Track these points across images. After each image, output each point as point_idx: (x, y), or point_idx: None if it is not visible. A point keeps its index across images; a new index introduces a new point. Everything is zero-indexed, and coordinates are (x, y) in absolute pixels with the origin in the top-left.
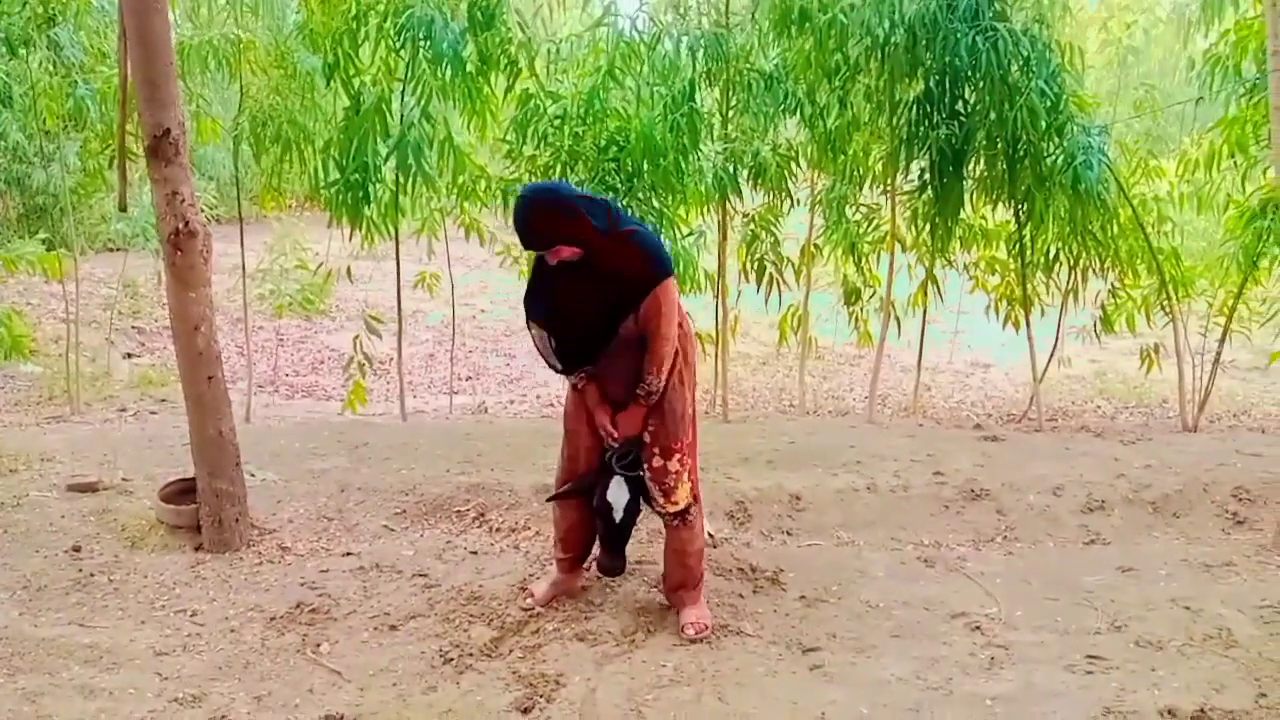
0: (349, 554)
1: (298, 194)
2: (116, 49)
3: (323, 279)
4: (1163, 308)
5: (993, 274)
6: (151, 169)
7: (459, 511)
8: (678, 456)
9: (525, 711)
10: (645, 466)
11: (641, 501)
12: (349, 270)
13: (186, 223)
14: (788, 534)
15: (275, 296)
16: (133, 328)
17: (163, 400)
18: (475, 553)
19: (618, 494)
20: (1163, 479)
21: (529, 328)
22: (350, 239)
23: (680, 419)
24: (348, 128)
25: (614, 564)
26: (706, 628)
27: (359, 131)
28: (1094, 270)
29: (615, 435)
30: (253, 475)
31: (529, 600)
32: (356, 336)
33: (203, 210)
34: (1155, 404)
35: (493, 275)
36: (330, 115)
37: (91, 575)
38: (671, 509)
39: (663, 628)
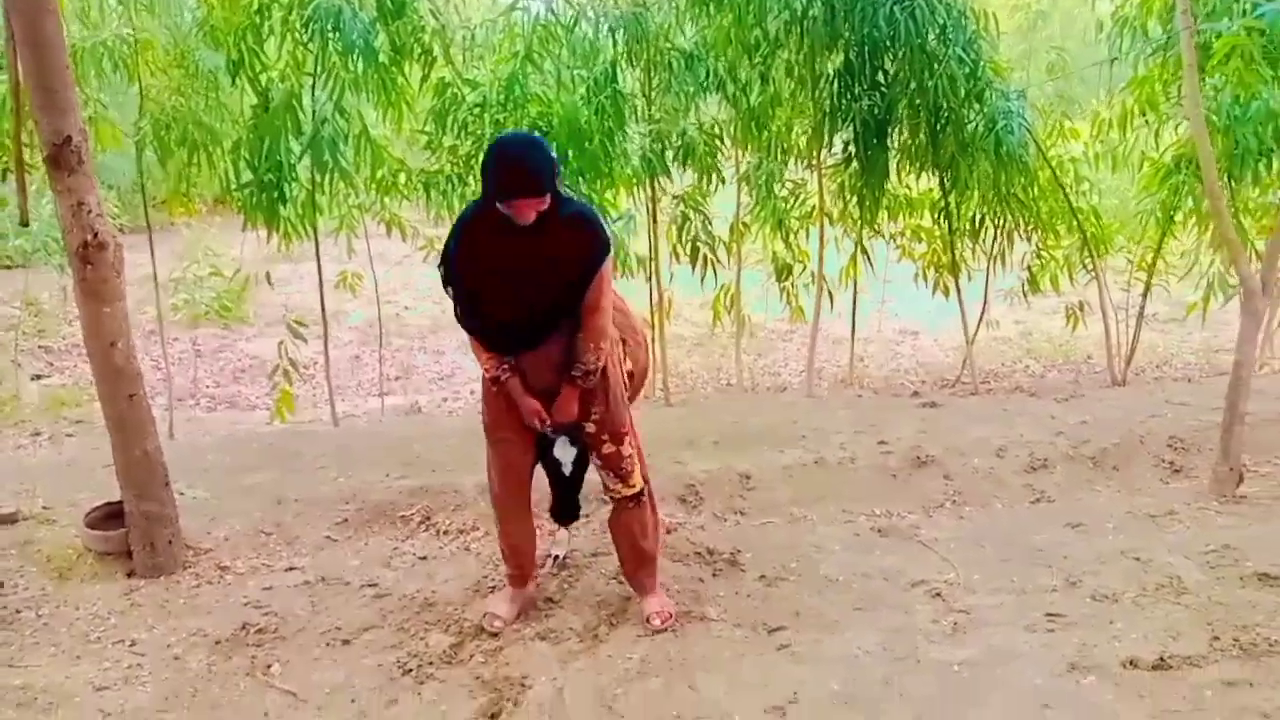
0: (292, 568)
1: (207, 198)
2: (4, 54)
3: (240, 285)
4: (1084, 266)
5: (919, 242)
6: (53, 179)
7: (403, 516)
8: (628, 439)
9: (493, 718)
10: (595, 454)
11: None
12: (268, 275)
13: (95, 234)
14: (741, 514)
15: (190, 306)
16: (39, 347)
17: (79, 421)
18: (425, 558)
19: (564, 450)
20: (1099, 434)
21: (447, 289)
22: (268, 241)
23: (621, 402)
24: (257, 126)
25: (571, 511)
26: (671, 615)
27: (270, 129)
28: (1019, 234)
29: (547, 422)
30: (182, 494)
31: (497, 624)
32: (280, 342)
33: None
34: (1081, 360)
35: (414, 271)
36: (238, 114)
37: (18, 612)
38: (628, 491)
39: (625, 620)
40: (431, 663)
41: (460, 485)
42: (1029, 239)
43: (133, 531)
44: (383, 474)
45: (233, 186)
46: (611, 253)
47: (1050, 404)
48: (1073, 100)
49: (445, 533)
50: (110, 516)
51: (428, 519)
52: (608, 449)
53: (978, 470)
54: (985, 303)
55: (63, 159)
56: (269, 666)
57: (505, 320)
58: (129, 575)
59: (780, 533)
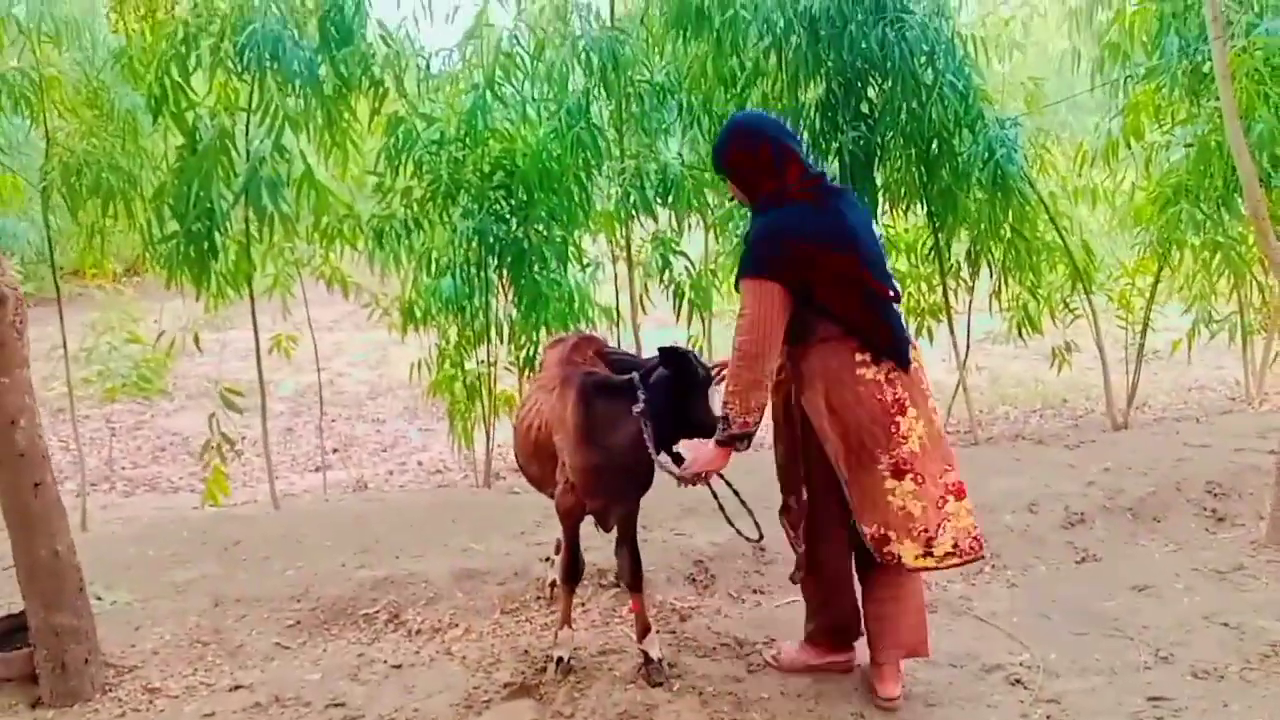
0: (238, 687)
1: (123, 260)
2: None
3: (164, 353)
4: (1066, 305)
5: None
6: None
7: (367, 615)
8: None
9: None
10: None
11: None
12: (196, 338)
13: None
14: (759, 593)
15: (104, 378)
16: None
17: None
18: (398, 666)
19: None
20: (1131, 483)
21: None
22: (197, 299)
23: (781, 466)
24: (184, 170)
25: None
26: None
27: (198, 173)
28: (1012, 273)
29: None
30: (100, 599)
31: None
32: (212, 415)
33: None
34: (1059, 405)
35: (346, 334)
36: (160, 158)
37: None
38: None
39: None
40: None
41: (430, 574)
42: (1020, 278)
43: (39, 651)
44: (338, 563)
45: (155, 239)
46: (747, 279)
47: (1063, 451)
48: (1048, 133)
49: (419, 632)
50: (11, 632)
51: (396, 616)
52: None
53: (1012, 528)
54: (968, 347)
55: None
56: None
57: None
58: (34, 705)
59: None
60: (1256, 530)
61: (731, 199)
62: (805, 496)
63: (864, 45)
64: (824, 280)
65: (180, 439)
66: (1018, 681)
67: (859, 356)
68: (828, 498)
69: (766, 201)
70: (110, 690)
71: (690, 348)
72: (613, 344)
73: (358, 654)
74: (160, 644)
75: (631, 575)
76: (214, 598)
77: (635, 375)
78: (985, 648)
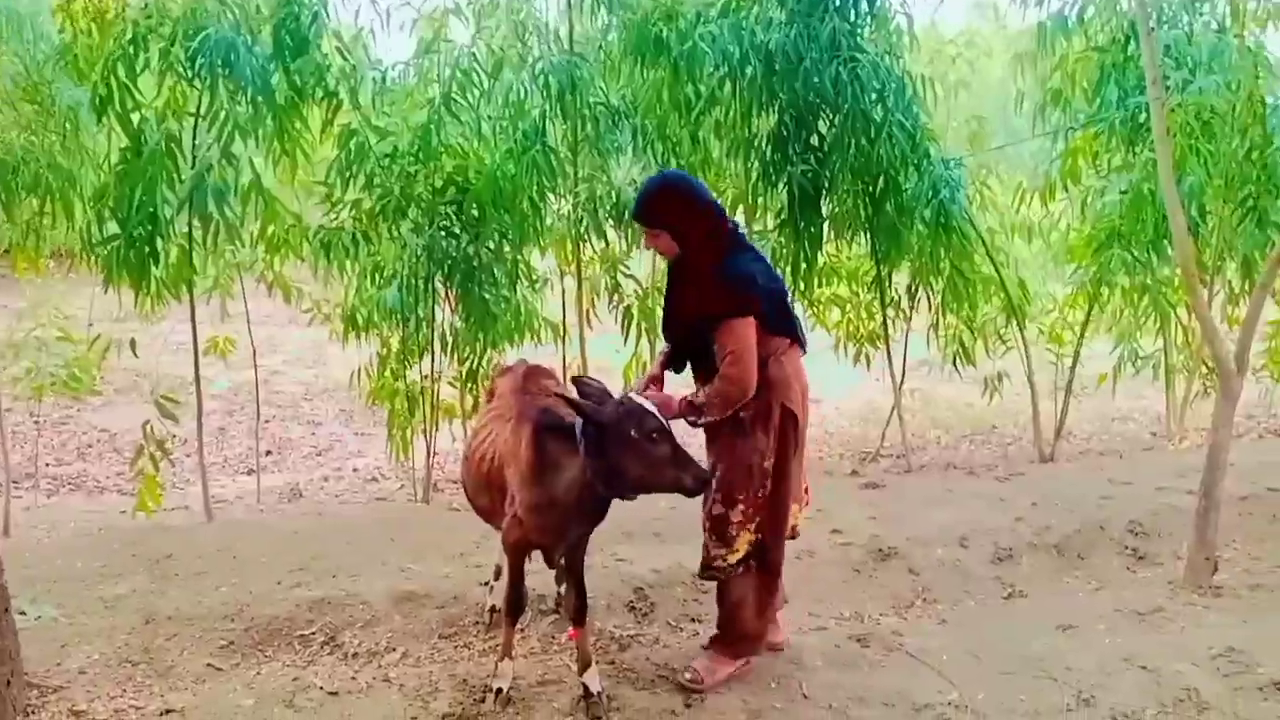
0: (168, 711)
1: (58, 249)
2: None
3: (98, 352)
4: (1000, 336)
5: (835, 309)
6: None
7: (303, 636)
8: (740, 507)
9: None
10: (704, 510)
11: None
12: (132, 342)
13: None
14: (698, 621)
15: (33, 376)
16: None
17: None
18: (335, 693)
19: (643, 402)
20: (1058, 519)
21: None
22: (136, 304)
23: (750, 470)
24: (127, 173)
25: (702, 471)
26: (702, 681)
27: (142, 177)
28: (948, 306)
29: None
30: (24, 614)
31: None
32: (146, 423)
33: None
34: (988, 431)
35: (282, 329)
36: (103, 157)
37: None
38: (733, 559)
39: None
40: None
41: (368, 595)
42: (958, 311)
43: None
44: (274, 581)
45: (95, 241)
46: (737, 319)
47: (993, 483)
48: (989, 169)
49: (355, 655)
50: None
51: (332, 639)
52: (717, 509)
53: (944, 563)
54: (903, 373)
55: None
56: None
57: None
58: None
59: None
60: (1174, 570)
61: (647, 248)
62: (766, 493)
63: (817, 81)
64: (775, 310)
65: (108, 436)
66: None
67: (800, 361)
68: (786, 495)
69: (709, 253)
70: (33, 713)
71: (630, 401)
72: (556, 362)
73: (293, 678)
74: (88, 663)
75: (576, 610)
76: (145, 615)
77: (579, 419)
78: (916, 685)
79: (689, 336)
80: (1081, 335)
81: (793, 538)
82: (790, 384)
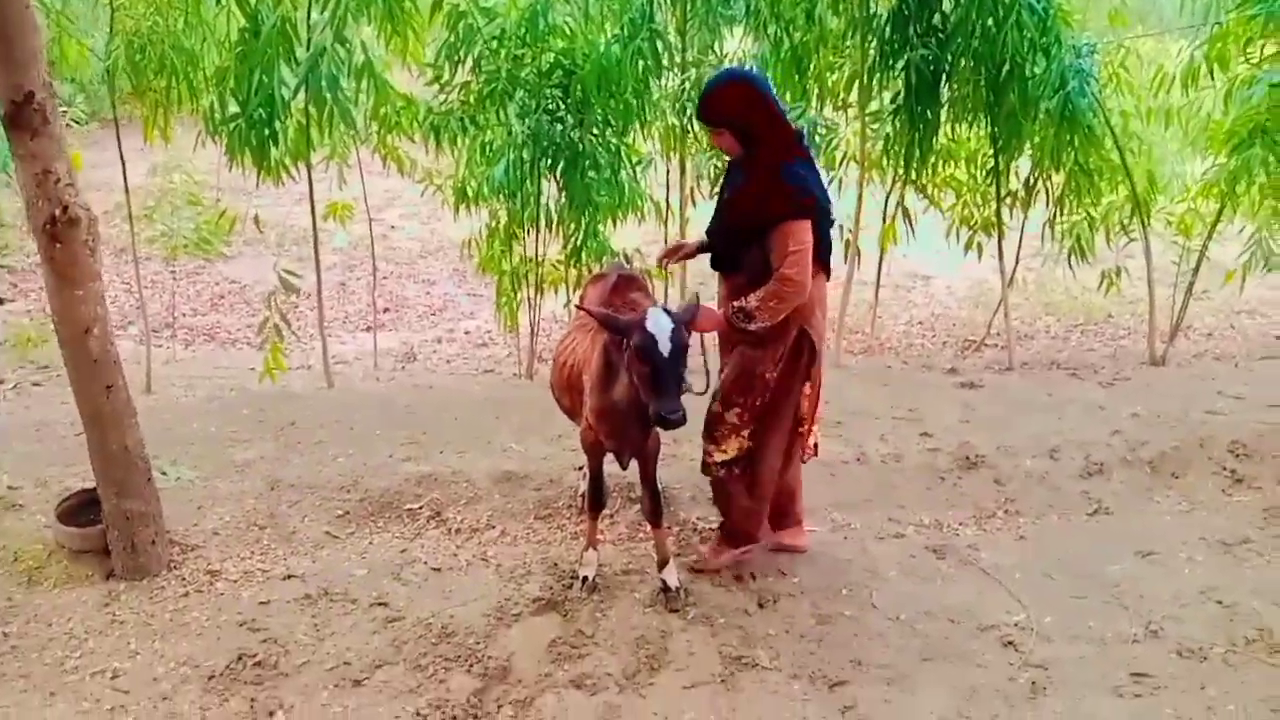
0: (290, 576)
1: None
2: None
3: (226, 222)
4: (1124, 226)
5: (949, 192)
6: (13, 143)
7: (410, 510)
8: (735, 410)
9: None
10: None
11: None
12: (256, 218)
13: (65, 208)
14: None
15: (168, 238)
16: (0, 267)
17: (45, 368)
18: (438, 569)
19: (658, 321)
20: (1156, 434)
21: None
22: (258, 180)
23: (751, 378)
24: (246, 54)
25: (674, 410)
26: (705, 562)
27: (260, 59)
28: (1070, 201)
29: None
30: (164, 474)
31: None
32: (270, 294)
33: (71, 124)
34: (1103, 321)
35: (398, 182)
36: (224, 38)
37: None
38: (720, 457)
39: (667, 663)
40: (455, 715)
41: (472, 474)
42: (1078, 205)
43: (111, 531)
44: (386, 455)
45: (217, 120)
46: (795, 221)
47: (1095, 389)
48: (1129, 50)
49: (458, 531)
50: (84, 505)
51: (438, 514)
52: (715, 407)
53: (1030, 474)
54: (1016, 263)
55: (23, 119)
56: (271, 714)
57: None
58: (108, 577)
59: (827, 550)
60: (1272, 496)
61: (710, 148)
62: (764, 403)
63: None
64: (823, 230)
65: (238, 287)
66: (1010, 643)
67: (825, 288)
68: (786, 412)
69: (770, 154)
70: (175, 568)
71: (665, 319)
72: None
73: (400, 550)
74: (220, 524)
75: (651, 513)
76: (270, 481)
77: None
78: (984, 604)
79: (739, 238)
80: (1211, 231)
81: (807, 459)
82: (814, 309)
